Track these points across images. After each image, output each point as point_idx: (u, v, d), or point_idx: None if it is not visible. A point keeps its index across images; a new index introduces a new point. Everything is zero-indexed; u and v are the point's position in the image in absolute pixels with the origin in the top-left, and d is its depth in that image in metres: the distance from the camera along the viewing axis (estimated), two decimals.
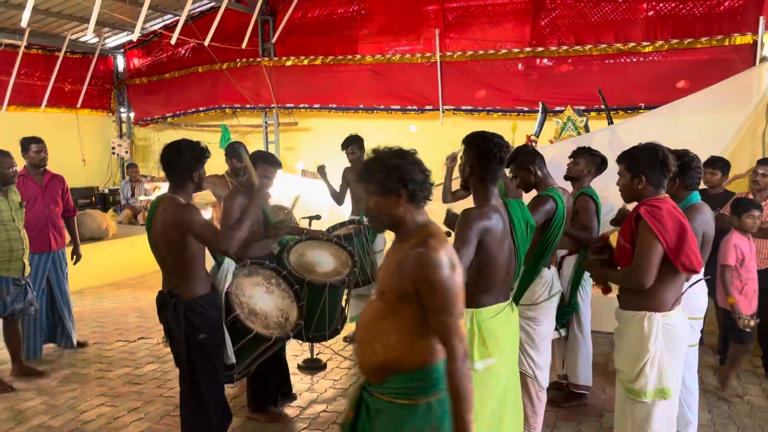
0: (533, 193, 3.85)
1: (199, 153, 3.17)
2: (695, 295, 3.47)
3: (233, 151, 4.81)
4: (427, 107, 9.72)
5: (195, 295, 3.16)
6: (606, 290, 3.31)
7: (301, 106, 10.79)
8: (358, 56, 10.09)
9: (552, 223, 3.56)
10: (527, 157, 3.80)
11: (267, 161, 4.16)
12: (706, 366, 5.11)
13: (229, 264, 3.47)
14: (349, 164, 5.88)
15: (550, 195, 3.62)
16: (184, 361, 3.22)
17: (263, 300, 3.60)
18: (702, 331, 5.59)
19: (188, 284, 3.16)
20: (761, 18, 7.23)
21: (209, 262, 3.42)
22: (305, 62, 10.51)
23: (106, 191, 11.96)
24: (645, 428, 2.83)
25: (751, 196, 4.82)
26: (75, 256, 5.73)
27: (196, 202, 3.35)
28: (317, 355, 5.39)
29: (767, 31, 7.22)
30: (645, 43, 8.07)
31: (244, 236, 3.10)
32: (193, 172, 3.16)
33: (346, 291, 4.73)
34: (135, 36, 9.76)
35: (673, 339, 2.82)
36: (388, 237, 6.39)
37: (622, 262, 2.92)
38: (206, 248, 3.26)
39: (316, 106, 10.65)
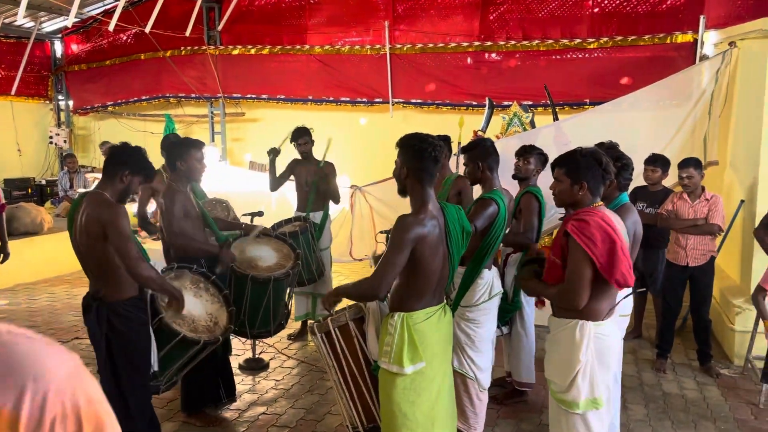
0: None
1: (146, 165, 3.12)
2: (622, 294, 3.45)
3: (168, 144, 4.64)
4: (377, 100, 9.63)
5: (121, 297, 3.03)
6: (540, 303, 3.20)
7: (249, 96, 10.55)
8: (307, 46, 9.92)
9: (493, 226, 3.55)
10: (482, 153, 3.77)
11: (191, 146, 3.94)
12: (643, 359, 5.22)
13: (153, 265, 3.34)
14: (298, 156, 5.70)
15: (492, 198, 3.60)
16: (105, 369, 3.08)
17: (191, 304, 3.46)
18: (641, 324, 5.78)
19: (113, 286, 3.03)
20: (701, 17, 7.39)
21: None
22: (252, 51, 10.28)
23: (44, 182, 11.48)
24: None
25: (686, 196, 4.91)
26: (2, 255, 5.43)
27: None
28: (260, 354, 5.27)
29: (707, 30, 7.39)
30: (590, 40, 8.17)
31: (153, 281, 3.16)
32: (132, 174, 3.06)
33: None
34: (70, 22, 9.34)
35: (604, 349, 2.73)
36: (335, 233, 6.33)
37: (551, 278, 2.81)
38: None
39: (264, 96, 10.43)
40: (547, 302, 3.09)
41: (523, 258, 4.15)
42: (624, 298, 2.83)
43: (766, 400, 4.34)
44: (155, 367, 3.16)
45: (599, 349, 2.70)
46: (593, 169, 2.71)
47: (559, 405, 2.78)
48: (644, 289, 2.73)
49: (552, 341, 2.86)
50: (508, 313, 4.27)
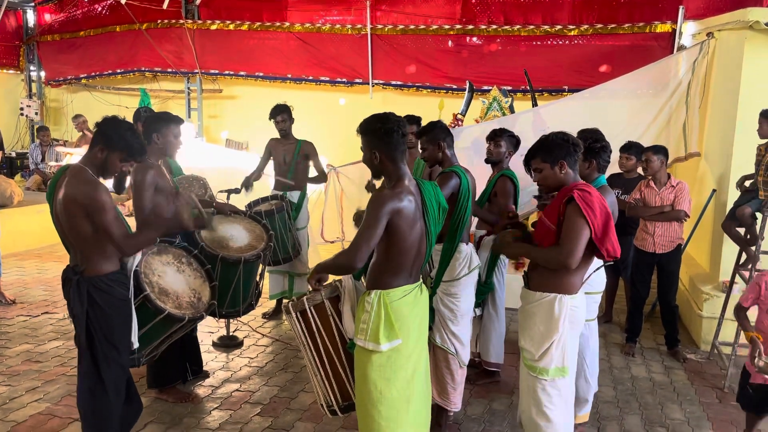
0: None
1: (125, 143, 2.94)
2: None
3: (138, 117, 4.58)
4: (357, 80, 9.57)
5: (100, 272, 2.97)
6: (519, 265, 3.31)
7: (226, 72, 10.41)
8: (287, 24, 9.80)
9: (459, 199, 3.59)
10: (440, 133, 3.82)
11: (171, 121, 3.87)
12: (613, 344, 5.32)
13: None
14: (276, 135, 5.65)
15: (453, 171, 3.66)
16: (83, 342, 3.03)
17: (174, 279, 3.44)
18: (611, 309, 5.88)
19: (94, 261, 2.96)
20: (680, 7, 7.46)
21: None
22: (231, 27, 10.11)
23: (14, 155, 11.23)
24: (546, 404, 2.92)
25: (653, 184, 4.96)
26: None
27: None
28: (234, 332, 5.25)
29: (686, 20, 7.47)
30: (571, 27, 8.20)
31: (147, 245, 3.12)
32: (109, 150, 2.92)
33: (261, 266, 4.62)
34: None
35: (576, 320, 2.95)
36: (312, 213, 6.30)
37: (544, 243, 2.94)
38: None
39: (242, 73, 10.30)
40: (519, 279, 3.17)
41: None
42: (594, 271, 3.02)
43: (731, 384, 4.45)
44: (136, 344, 3.13)
45: (572, 321, 2.89)
46: (565, 147, 2.89)
47: (529, 372, 2.95)
48: (612, 262, 2.84)
49: (528, 313, 2.98)
50: (482, 294, 4.31)
